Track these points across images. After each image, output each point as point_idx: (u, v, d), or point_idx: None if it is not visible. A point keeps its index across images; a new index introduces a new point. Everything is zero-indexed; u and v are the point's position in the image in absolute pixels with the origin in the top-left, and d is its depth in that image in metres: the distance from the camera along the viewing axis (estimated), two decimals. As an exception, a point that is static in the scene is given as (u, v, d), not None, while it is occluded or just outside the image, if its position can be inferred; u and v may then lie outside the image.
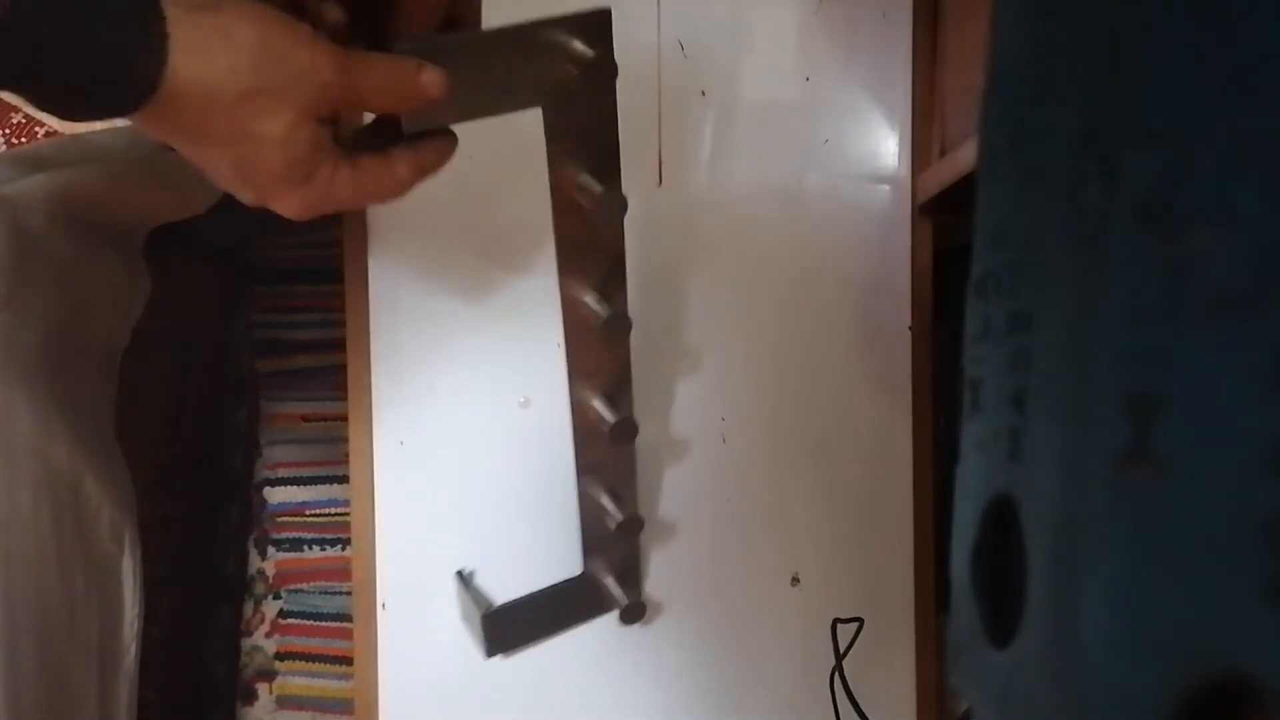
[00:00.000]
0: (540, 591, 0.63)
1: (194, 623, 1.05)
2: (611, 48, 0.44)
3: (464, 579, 0.64)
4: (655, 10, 0.66)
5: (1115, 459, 0.18)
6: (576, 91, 0.44)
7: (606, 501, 0.61)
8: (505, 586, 0.64)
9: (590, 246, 0.51)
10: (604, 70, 0.44)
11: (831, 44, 0.69)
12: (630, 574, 0.65)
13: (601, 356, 0.56)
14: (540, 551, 0.65)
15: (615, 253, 0.52)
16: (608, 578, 0.64)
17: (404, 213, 0.64)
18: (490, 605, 0.62)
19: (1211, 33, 0.16)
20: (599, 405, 0.57)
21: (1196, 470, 0.16)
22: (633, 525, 0.62)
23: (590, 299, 0.53)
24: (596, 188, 0.47)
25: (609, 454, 0.59)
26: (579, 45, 0.43)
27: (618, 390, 0.58)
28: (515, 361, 0.65)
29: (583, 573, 0.64)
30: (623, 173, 0.48)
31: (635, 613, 0.65)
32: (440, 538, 0.65)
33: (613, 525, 0.61)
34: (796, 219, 0.69)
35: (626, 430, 0.58)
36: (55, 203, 0.60)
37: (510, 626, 0.62)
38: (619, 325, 0.54)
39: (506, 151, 0.64)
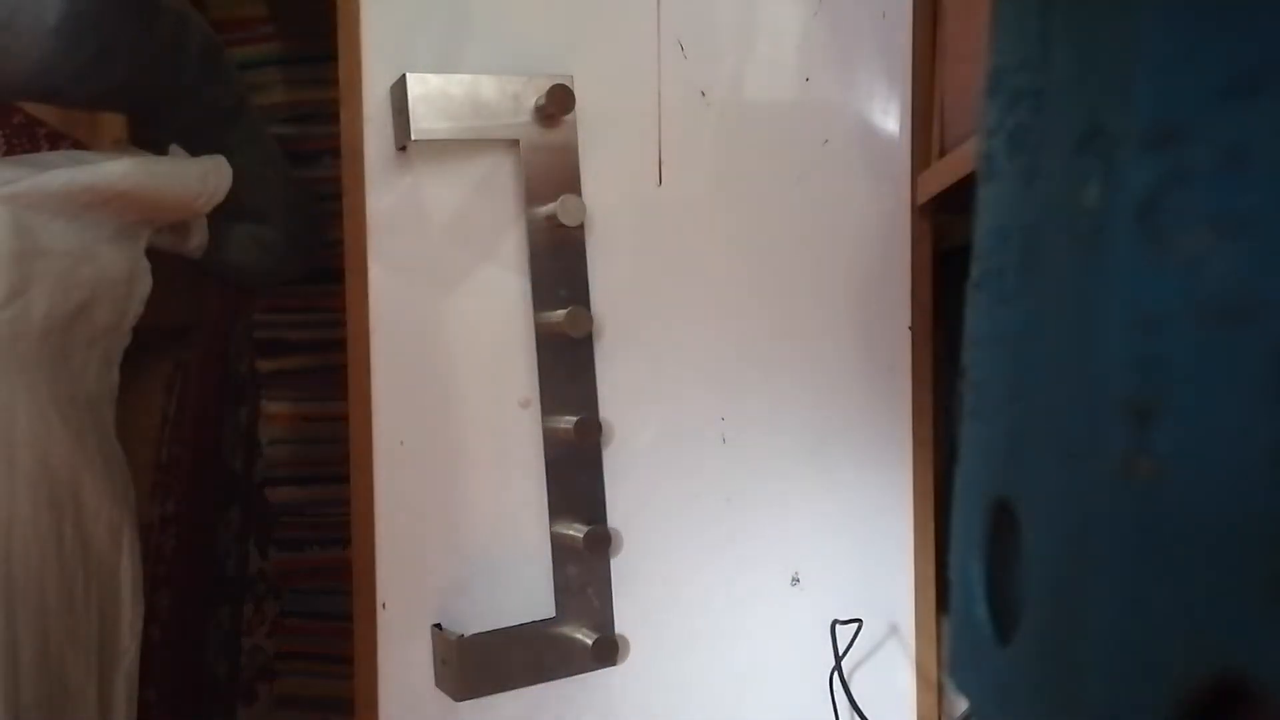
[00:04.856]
0: (512, 628, 0.63)
1: (194, 623, 1.05)
2: None
3: (440, 630, 0.64)
4: (655, 10, 0.66)
5: (1115, 460, 0.18)
6: None
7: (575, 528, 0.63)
8: (504, 585, 0.65)
9: None
10: None
11: (831, 44, 0.69)
12: (604, 609, 0.65)
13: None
14: (540, 550, 0.65)
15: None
16: (582, 628, 0.64)
17: (404, 213, 0.64)
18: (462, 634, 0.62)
19: (1213, 32, 0.16)
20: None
21: (1197, 471, 0.16)
22: (600, 540, 0.63)
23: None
24: None
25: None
26: None
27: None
28: (515, 361, 0.65)
29: (555, 615, 0.64)
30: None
31: (608, 653, 0.64)
32: (440, 538, 0.65)
33: (580, 543, 0.62)
34: (796, 219, 0.69)
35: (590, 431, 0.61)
36: (58, 202, 0.60)
37: (483, 662, 0.62)
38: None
39: (506, 150, 0.64)
